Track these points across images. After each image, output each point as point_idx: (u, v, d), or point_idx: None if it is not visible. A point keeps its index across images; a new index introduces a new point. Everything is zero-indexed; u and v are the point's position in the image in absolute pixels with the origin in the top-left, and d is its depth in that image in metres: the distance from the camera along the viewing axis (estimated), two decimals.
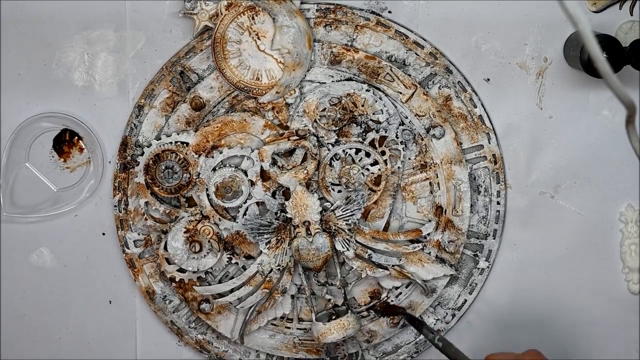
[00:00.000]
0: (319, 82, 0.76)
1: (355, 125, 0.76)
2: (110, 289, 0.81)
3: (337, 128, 0.76)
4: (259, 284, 0.77)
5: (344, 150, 0.76)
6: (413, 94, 0.77)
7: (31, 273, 0.81)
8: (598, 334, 0.80)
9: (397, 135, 0.76)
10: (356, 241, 0.76)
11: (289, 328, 0.80)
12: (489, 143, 0.77)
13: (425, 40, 0.76)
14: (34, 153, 0.79)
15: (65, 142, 0.79)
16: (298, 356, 0.81)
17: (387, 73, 0.76)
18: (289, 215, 0.75)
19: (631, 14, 0.76)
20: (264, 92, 0.75)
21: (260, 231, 0.76)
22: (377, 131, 0.76)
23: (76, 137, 0.79)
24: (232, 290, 0.78)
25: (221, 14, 0.74)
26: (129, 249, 0.79)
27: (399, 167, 0.77)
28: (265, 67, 0.75)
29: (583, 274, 0.79)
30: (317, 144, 0.76)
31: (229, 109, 0.77)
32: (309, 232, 0.75)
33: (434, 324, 0.80)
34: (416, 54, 0.76)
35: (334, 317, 0.76)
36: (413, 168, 0.77)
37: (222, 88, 0.76)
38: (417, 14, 0.76)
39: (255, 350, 0.81)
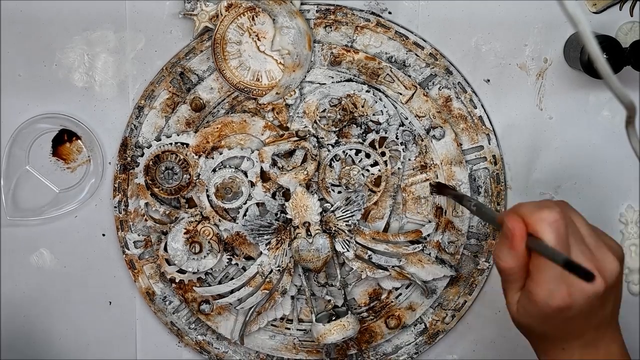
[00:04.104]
0: (319, 83, 0.76)
1: (355, 126, 0.76)
2: (110, 290, 0.81)
3: (337, 129, 0.76)
4: (259, 284, 0.77)
5: (344, 151, 0.76)
6: (413, 94, 0.77)
7: (31, 274, 0.81)
8: None
9: (397, 136, 0.76)
10: (356, 242, 0.76)
11: (288, 329, 0.80)
12: (489, 144, 0.77)
13: (425, 41, 0.76)
14: (34, 154, 0.79)
15: (64, 142, 0.79)
16: (298, 357, 0.81)
17: (387, 74, 0.76)
18: (289, 216, 0.75)
19: (631, 15, 0.76)
20: (264, 93, 0.75)
21: (260, 232, 0.76)
22: (377, 132, 0.76)
23: (74, 137, 0.79)
24: (232, 291, 0.78)
25: (221, 15, 0.74)
26: (129, 250, 0.79)
27: (399, 168, 0.77)
28: (265, 68, 0.75)
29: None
30: (317, 145, 0.76)
31: (229, 110, 0.77)
32: (309, 233, 0.75)
33: (434, 324, 0.80)
34: (416, 54, 0.76)
35: (334, 318, 0.76)
36: (413, 169, 0.77)
37: (222, 89, 0.76)
38: (417, 14, 0.76)
39: (255, 351, 0.81)
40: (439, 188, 0.77)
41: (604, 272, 0.57)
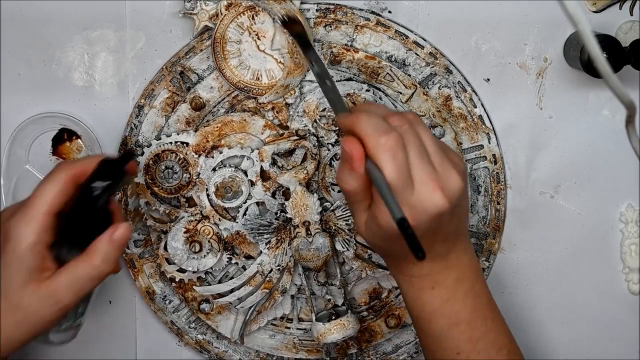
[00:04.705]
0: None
1: None
2: (110, 289, 0.81)
3: (337, 128, 0.76)
4: (259, 284, 0.77)
5: None
6: (413, 94, 0.77)
7: None
8: (598, 334, 0.80)
9: None
10: (356, 241, 0.76)
11: (288, 328, 0.80)
12: (489, 143, 0.77)
13: (425, 40, 0.76)
14: (34, 153, 0.79)
15: (64, 141, 0.79)
16: (298, 356, 0.81)
17: (387, 73, 0.76)
18: (288, 216, 0.75)
19: (631, 14, 0.76)
20: (263, 92, 0.75)
21: (260, 231, 0.76)
22: None
23: (74, 136, 0.79)
24: (232, 291, 0.78)
25: (221, 14, 0.74)
26: (129, 249, 0.79)
27: None
28: (265, 67, 0.75)
29: (583, 274, 0.79)
30: (317, 144, 0.76)
31: (229, 109, 0.77)
32: (309, 232, 0.75)
33: None
34: (416, 54, 0.76)
35: (334, 317, 0.76)
36: None
37: (222, 88, 0.76)
38: (417, 14, 0.76)
39: (255, 351, 0.81)
40: (289, 26, 0.72)
41: (447, 190, 0.57)
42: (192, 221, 0.77)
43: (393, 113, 0.60)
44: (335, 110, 0.63)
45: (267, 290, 0.77)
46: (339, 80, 0.76)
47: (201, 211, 0.77)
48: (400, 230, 0.54)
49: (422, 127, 0.60)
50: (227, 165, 0.77)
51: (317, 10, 0.76)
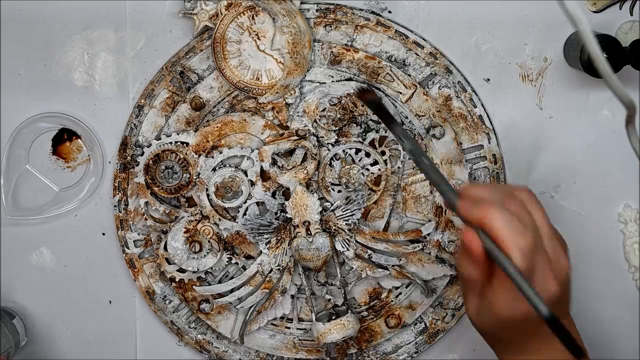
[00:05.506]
0: (319, 82, 0.76)
1: (355, 125, 0.76)
2: (110, 289, 0.81)
3: (337, 128, 0.76)
4: (259, 284, 0.77)
5: (344, 150, 0.76)
6: (413, 94, 0.77)
7: (31, 273, 0.81)
8: (599, 334, 0.80)
9: None
10: (356, 241, 0.76)
11: (288, 328, 0.80)
12: (489, 143, 0.77)
13: (425, 40, 0.76)
14: (34, 153, 0.79)
15: (64, 141, 0.79)
16: (298, 356, 0.81)
17: (387, 73, 0.76)
18: (288, 215, 0.75)
19: (631, 14, 0.76)
20: (263, 92, 0.75)
21: (260, 231, 0.76)
22: (377, 131, 0.76)
23: (74, 136, 0.79)
24: (232, 290, 0.78)
25: (221, 14, 0.74)
26: (129, 249, 0.79)
27: (399, 167, 0.77)
28: (265, 67, 0.75)
29: (584, 274, 0.79)
30: (317, 144, 0.76)
31: (229, 109, 0.77)
32: (309, 232, 0.75)
33: (434, 324, 0.80)
34: (416, 54, 0.76)
35: (333, 317, 0.76)
36: (413, 168, 0.77)
37: (222, 88, 0.76)
38: (417, 14, 0.76)
39: (255, 350, 0.81)
40: (364, 96, 0.65)
41: (559, 276, 0.58)
42: (192, 221, 0.77)
43: (509, 195, 0.59)
44: (443, 194, 0.59)
45: (267, 290, 0.77)
46: (339, 80, 0.76)
47: (201, 211, 0.77)
48: (554, 329, 0.53)
49: (537, 208, 0.60)
50: (227, 165, 0.77)
51: (317, 10, 0.76)
